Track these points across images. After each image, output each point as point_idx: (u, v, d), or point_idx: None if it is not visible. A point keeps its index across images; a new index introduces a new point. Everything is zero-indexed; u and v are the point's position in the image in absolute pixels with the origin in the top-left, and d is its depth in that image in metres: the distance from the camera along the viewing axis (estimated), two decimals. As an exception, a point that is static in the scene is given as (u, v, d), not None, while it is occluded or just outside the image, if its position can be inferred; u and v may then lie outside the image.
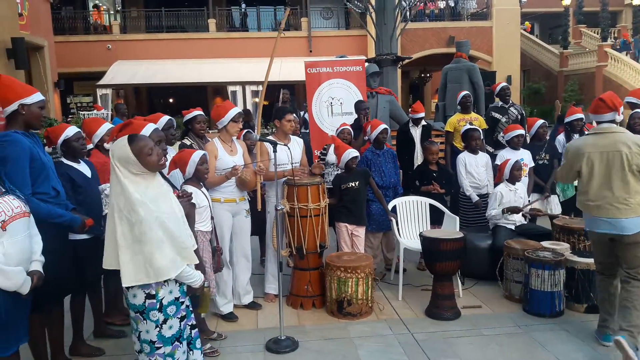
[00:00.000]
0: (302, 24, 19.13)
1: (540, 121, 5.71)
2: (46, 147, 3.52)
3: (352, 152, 4.61)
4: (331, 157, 5.14)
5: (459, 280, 4.56)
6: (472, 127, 5.44)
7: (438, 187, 4.95)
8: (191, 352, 2.70)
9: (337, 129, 5.37)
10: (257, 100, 16.40)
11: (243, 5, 20.38)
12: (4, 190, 2.56)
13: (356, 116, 6.13)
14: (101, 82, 16.12)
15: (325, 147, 5.36)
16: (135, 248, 2.37)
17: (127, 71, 17.06)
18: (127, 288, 2.44)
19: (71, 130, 3.47)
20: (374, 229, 4.94)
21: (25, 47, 9.28)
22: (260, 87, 16.12)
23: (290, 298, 4.48)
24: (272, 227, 4.40)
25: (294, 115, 5.56)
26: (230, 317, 4.19)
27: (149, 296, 2.44)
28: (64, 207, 3.09)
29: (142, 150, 2.40)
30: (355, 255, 4.40)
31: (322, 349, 3.71)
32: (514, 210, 4.77)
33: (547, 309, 4.10)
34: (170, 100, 21.41)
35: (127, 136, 2.45)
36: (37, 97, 2.95)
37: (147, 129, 3.15)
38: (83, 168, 3.50)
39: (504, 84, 6.69)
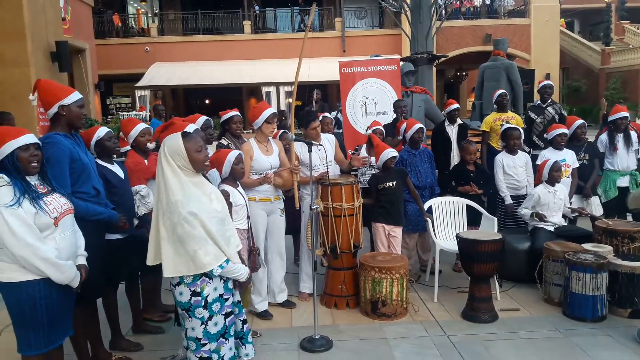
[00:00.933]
0: (336, 23, 19.14)
1: (579, 121, 5.53)
2: None
3: (391, 152, 4.56)
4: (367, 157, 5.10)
5: (496, 283, 4.47)
6: (511, 126, 5.31)
7: (476, 189, 4.86)
8: (243, 347, 2.78)
9: (368, 128, 5.33)
10: (290, 100, 16.50)
11: (256, 7, 20.50)
12: (50, 188, 2.66)
13: (392, 115, 6.10)
14: (139, 83, 16.54)
15: (357, 147, 5.31)
16: (176, 245, 2.44)
17: (164, 73, 17.45)
18: (174, 286, 2.50)
19: (102, 131, 3.55)
20: (409, 229, 4.89)
21: (69, 50, 9.58)
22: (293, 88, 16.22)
23: (324, 297, 4.49)
24: (307, 227, 4.42)
25: (327, 115, 5.61)
26: (265, 315, 4.22)
27: (194, 294, 2.50)
28: (104, 206, 3.17)
29: (193, 146, 2.49)
30: (390, 256, 4.37)
31: (356, 348, 3.70)
32: (541, 217, 4.66)
33: (588, 313, 3.98)
34: (206, 101, 21.78)
35: (182, 132, 2.55)
36: (74, 96, 3.01)
37: (189, 129, 3.22)
38: (116, 169, 3.58)
39: (548, 81, 6.50)
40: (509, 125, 5.33)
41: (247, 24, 19.30)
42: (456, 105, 5.97)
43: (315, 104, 9.03)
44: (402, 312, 4.18)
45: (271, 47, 18.53)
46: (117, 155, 3.72)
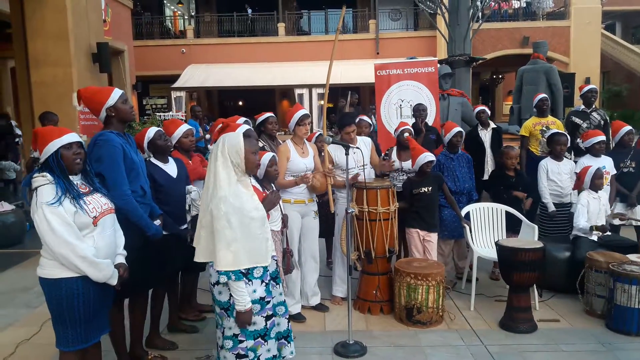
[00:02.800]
0: (370, 25, 19.05)
1: (627, 127, 5.32)
2: None
3: (427, 156, 4.47)
4: (395, 162, 5.01)
5: (535, 292, 4.34)
6: (558, 131, 5.15)
7: (524, 196, 4.74)
8: (288, 345, 2.81)
9: (396, 129, 5.18)
10: (322, 102, 16.50)
11: (249, 11, 20.48)
12: (91, 188, 2.70)
13: (431, 119, 6.00)
14: (175, 85, 16.81)
15: (387, 151, 5.17)
16: (211, 235, 2.51)
17: (200, 74, 17.69)
18: (213, 285, 2.53)
19: (152, 131, 3.62)
20: (445, 235, 4.80)
21: (109, 52, 9.80)
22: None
23: (358, 302, 4.44)
24: (342, 230, 4.38)
25: (364, 118, 5.54)
26: (298, 318, 4.20)
27: None
28: (149, 208, 3.22)
29: (251, 148, 2.56)
30: (426, 262, 4.29)
31: (391, 356, 3.64)
32: (602, 230, 4.48)
33: (633, 327, 3.82)
34: (240, 102, 21.98)
35: (245, 131, 2.63)
36: (115, 94, 3.06)
37: (242, 129, 3.29)
38: (169, 168, 3.63)
39: (592, 86, 6.29)
40: (556, 131, 5.16)
41: (281, 26, 19.41)
42: (481, 108, 5.82)
43: (350, 106, 8.98)
44: (438, 320, 4.10)
45: (304, 49, 18.58)
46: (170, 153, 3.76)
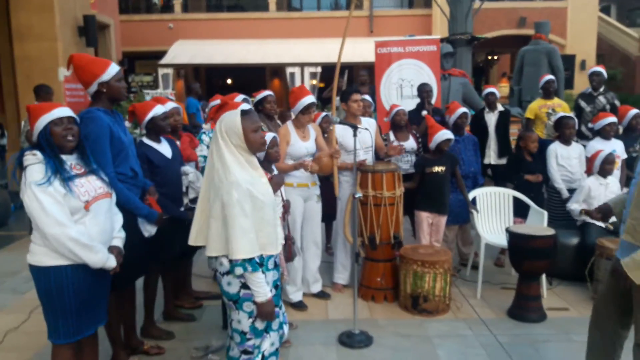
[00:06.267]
0: (364, 2, 18.65)
1: (634, 111, 5.19)
2: (127, 123, 3.44)
3: (446, 134, 4.30)
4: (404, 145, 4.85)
5: (544, 280, 4.22)
6: (567, 114, 4.98)
7: (541, 178, 4.61)
8: (283, 330, 2.63)
9: (389, 111, 5.02)
10: (314, 82, 16.18)
11: None
12: (87, 170, 2.49)
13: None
14: (163, 61, 16.32)
15: (384, 135, 4.99)
16: (223, 224, 2.30)
17: (188, 51, 17.19)
18: (223, 275, 2.35)
19: (159, 109, 3.37)
20: (450, 221, 4.63)
21: (96, 25, 9.41)
22: (319, 69, 15.88)
23: (361, 290, 4.27)
24: (345, 215, 4.20)
25: (367, 97, 5.32)
26: (300, 306, 4.05)
27: (244, 286, 2.32)
28: (142, 188, 3.00)
29: (250, 126, 2.34)
30: (432, 249, 4.14)
31: (397, 345, 3.51)
32: (591, 215, 4.35)
33: (645, 317, 3.72)
34: (228, 80, 21.53)
35: (240, 110, 2.40)
36: (112, 70, 2.82)
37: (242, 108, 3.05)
38: (163, 148, 3.41)
39: (597, 68, 6.11)
40: (564, 114, 5.00)
41: (272, 2, 18.92)
42: (491, 89, 5.63)
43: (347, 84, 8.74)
44: (445, 309, 3.96)
45: (296, 26, 18.15)
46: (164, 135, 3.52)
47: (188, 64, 17.35)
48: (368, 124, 4.39)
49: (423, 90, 5.50)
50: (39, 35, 8.13)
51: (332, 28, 16.98)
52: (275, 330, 2.52)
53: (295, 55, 16.59)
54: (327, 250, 5.25)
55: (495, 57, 21.43)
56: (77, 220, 2.37)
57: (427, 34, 16.14)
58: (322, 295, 4.27)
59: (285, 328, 2.62)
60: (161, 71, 16.25)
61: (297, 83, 16.06)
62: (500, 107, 5.60)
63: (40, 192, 2.26)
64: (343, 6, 19.77)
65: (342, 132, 4.25)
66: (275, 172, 3.57)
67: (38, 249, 2.36)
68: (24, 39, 8.17)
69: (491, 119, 5.55)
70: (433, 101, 6.02)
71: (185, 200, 3.62)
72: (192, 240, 2.47)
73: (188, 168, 3.57)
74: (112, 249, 2.54)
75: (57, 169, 2.33)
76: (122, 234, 2.66)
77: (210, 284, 4.61)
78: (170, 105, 3.82)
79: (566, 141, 4.82)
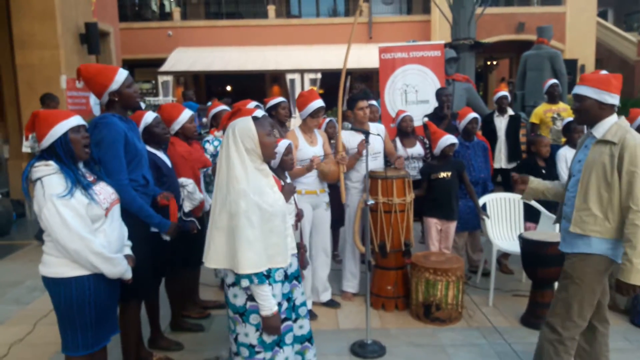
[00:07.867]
0: (363, 9, 18.67)
1: None
2: None
3: (450, 139, 4.26)
4: (399, 151, 4.83)
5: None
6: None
7: None
8: (312, 347, 2.64)
9: (396, 118, 4.99)
10: (314, 88, 16.14)
11: None
12: (96, 177, 2.44)
13: (434, 104, 5.74)
14: (162, 68, 16.30)
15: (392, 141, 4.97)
16: (229, 236, 2.23)
17: (187, 58, 17.18)
18: (229, 286, 2.28)
19: (150, 116, 3.31)
20: (459, 228, 4.57)
21: (98, 33, 9.36)
22: (319, 75, 15.86)
23: (371, 298, 4.20)
24: (354, 223, 4.15)
25: (374, 103, 5.27)
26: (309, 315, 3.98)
27: (250, 298, 2.25)
28: (152, 196, 2.95)
29: (264, 130, 2.29)
30: (444, 256, 4.08)
31: (411, 355, 3.44)
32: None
33: (660, 323, 3.67)
34: (228, 87, 21.50)
35: (253, 115, 2.36)
36: (120, 77, 2.77)
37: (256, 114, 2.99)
38: (165, 157, 3.36)
39: (603, 72, 6.07)
40: (572, 119, 4.95)
41: (271, 9, 18.93)
42: (503, 93, 5.59)
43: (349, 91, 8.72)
44: (457, 317, 3.90)
45: (295, 33, 18.15)
46: (166, 142, 3.46)
47: (187, 71, 17.33)
48: (377, 129, 4.35)
49: (442, 94, 5.46)
50: (41, 43, 8.07)
51: (331, 35, 17.01)
52: (290, 345, 2.46)
53: (294, 61, 16.59)
54: (335, 258, 5.18)
55: (494, 63, 21.46)
56: (97, 228, 2.32)
57: (426, 40, 16.20)
58: (331, 304, 4.21)
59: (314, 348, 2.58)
60: (161, 79, 16.24)
61: (297, 89, 16.03)
62: (510, 111, 5.56)
63: (62, 206, 2.18)
64: (342, 13, 19.81)
65: (348, 138, 4.20)
66: (288, 179, 3.51)
67: (54, 260, 2.29)
68: (26, 47, 8.11)
69: (501, 122, 5.51)
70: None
71: (179, 214, 3.52)
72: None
73: (184, 180, 3.48)
74: (127, 257, 2.49)
75: (77, 178, 2.27)
76: (130, 242, 2.61)
77: (217, 292, 4.55)
78: (189, 111, 3.75)
79: (575, 145, 4.77)
